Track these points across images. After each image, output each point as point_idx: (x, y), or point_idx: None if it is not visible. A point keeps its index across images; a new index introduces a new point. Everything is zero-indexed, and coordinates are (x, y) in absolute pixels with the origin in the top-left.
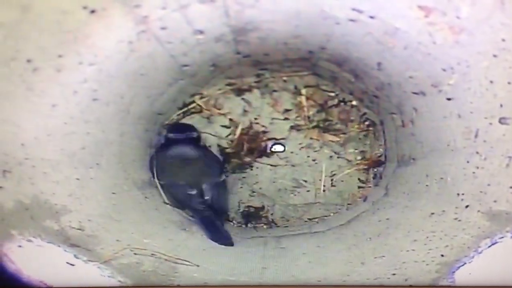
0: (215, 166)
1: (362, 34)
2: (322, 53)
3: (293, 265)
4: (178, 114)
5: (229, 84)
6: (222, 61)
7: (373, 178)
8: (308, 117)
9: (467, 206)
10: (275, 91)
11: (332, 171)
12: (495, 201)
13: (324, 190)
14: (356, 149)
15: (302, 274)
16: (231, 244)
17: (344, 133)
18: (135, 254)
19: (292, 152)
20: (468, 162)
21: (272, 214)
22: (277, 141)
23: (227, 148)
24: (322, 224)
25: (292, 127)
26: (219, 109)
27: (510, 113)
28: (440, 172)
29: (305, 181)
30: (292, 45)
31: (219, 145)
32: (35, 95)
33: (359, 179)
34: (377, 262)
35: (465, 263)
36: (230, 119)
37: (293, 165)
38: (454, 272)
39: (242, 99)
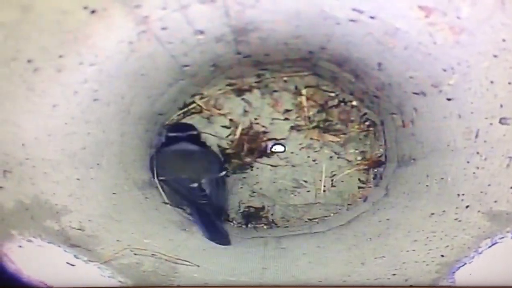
0: (215, 162)
1: (362, 34)
2: (322, 53)
3: (293, 265)
4: (179, 114)
5: (229, 84)
6: (223, 61)
7: (373, 178)
8: (309, 118)
9: (467, 207)
10: (275, 91)
11: (332, 172)
12: (495, 202)
13: (324, 191)
14: (356, 150)
15: (303, 275)
16: (229, 243)
17: (344, 134)
18: (135, 254)
19: (292, 153)
20: (468, 162)
21: (272, 214)
22: (277, 142)
23: (227, 148)
24: (322, 225)
25: (292, 128)
26: (219, 109)
27: (511, 113)
28: (440, 172)
29: (305, 181)
30: (292, 45)
31: (219, 146)
32: (36, 95)
33: (359, 179)
34: (377, 262)
35: (465, 264)
36: (231, 120)
37: (293, 166)
38: (454, 272)
39: (243, 99)
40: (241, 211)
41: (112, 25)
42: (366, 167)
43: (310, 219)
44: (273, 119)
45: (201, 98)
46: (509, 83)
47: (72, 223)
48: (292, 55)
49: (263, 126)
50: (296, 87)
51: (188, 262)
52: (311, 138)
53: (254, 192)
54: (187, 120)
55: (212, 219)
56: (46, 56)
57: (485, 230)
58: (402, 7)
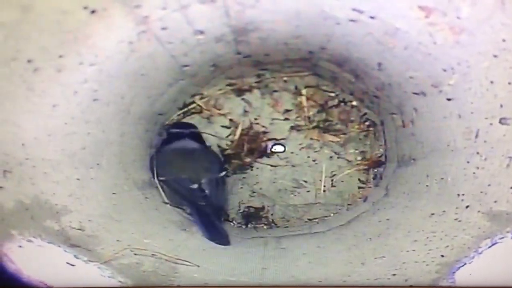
0: (215, 162)
1: (362, 34)
2: (322, 53)
3: (293, 265)
4: (179, 115)
5: (229, 85)
6: (223, 61)
7: (373, 178)
8: (309, 118)
9: (467, 207)
10: (275, 91)
11: (332, 172)
12: (495, 202)
13: (324, 191)
14: (356, 150)
15: (302, 275)
16: (228, 243)
17: (344, 134)
18: (135, 254)
19: (292, 153)
20: (468, 162)
21: (272, 214)
22: (277, 142)
23: (227, 148)
24: (322, 225)
25: (292, 128)
26: (219, 110)
27: (511, 113)
28: (440, 172)
29: (305, 181)
30: (292, 45)
31: (219, 146)
32: (36, 95)
33: (359, 179)
34: (377, 262)
35: (465, 264)
36: (230, 120)
37: (293, 166)
38: (454, 272)
39: (243, 99)
40: (241, 211)
41: (112, 25)
42: (366, 167)
43: (310, 219)
44: (273, 119)
45: (201, 98)
46: (509, 83)
47: (72, 223)
48: (292, 55)
49: (263, 126)
50: (296, 87)
51: (188, 262)
52: (311, 138)
53: (254, 192)
54: (187, 120)
55: (212, 220)
56: (46, 56)
57: (485, 230)
58: (402, 7)
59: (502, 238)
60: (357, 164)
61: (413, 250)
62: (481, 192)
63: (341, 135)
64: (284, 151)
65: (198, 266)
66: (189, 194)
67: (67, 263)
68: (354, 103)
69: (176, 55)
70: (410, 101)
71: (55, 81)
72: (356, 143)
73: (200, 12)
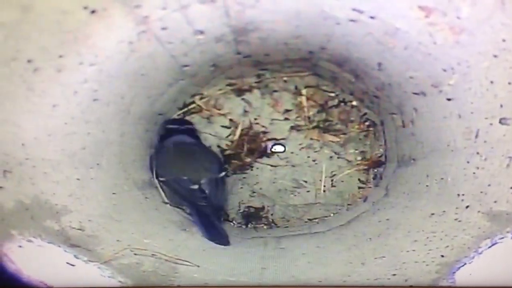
0: (214, 162)
1: (362, 34)
2: (322, 53)
3: (293, 265)
4: (179, 114)
5: (229, 85)
6: (223, 61)
7: (373, 178)
8: (309, 118)
9: (467, 207)
10: (275, 91)
11: (332, 172)
12: (495, 202)
13: (324, 191)
14: (356, 150)
15: (302, 275)
16: (228, 244)
17: (344, 134)
18: (135, 254)
19: (292, 153)
20: (468, 162)
21: (272, 214)
22: (277, 142)
23: (227, 148)
24: (322, 225)
25: (292, 128)
26: (219, 110)
27: (511, 113)
28: (440, 172)
29: (305, 181)
30: (292, 45)
31: (219, 146)
32: (36, 95)
33: (359, 179)
34: (377, 262)
35: (465, 264)
36: (230, 120)
37: (293, 166)
38: (454, 272)
39: (243, 99)
40: (241, 211)
41: (112, 25)
42: (366, 167)
43: (310, 219)
44: (273, 119)
45: (201, 98)
46: (509, 83)
47: (72, 223)
48: (292, 55)
49: (263, 126)
50: (296, 87)
51: (188, 262)
52: (311, 138)
53: (254, 192)
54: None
55: (212, 220)
56: (46, 56)
57: (485, 230)
58: (402, 7)
59: (502, 238)
60: (357, 164)
61: (413, 250)
62: (481, 192)
63: (341, 135)
64: (284, 151)
65: (198, 266)
66: (189, 194)
67: (67, 263)
68: (354, 103)
69: (176, 55)
70: (410, 101)
71: (55, 81)
72: (356, 143)
73: (200, 12)
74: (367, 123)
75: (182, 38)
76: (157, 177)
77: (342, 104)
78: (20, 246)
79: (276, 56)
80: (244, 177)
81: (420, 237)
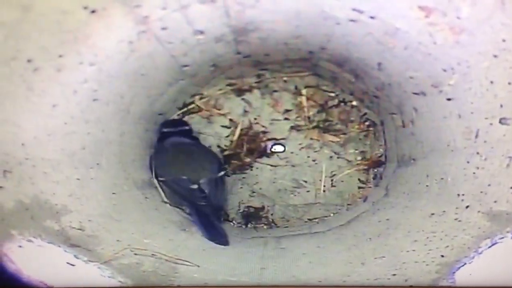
0: (213, 162)
1: (362, 35)
2: (322, 53)
3: (293, 265)
4: (178, 114)
5: (229, 85)
6: (223, 61)
7: (373, 178)
8: (308, 118)
9: (467, 207)
10: (275, 91)
11: (332, 172)
12: (495, 202)
13: (324, 191)
14: (356, 150)
15: (302, 275)
16: (227, 244)
17: (344, 134)
18: (135, 254)
19: (292, 153)
20: (468, 162)
21: (272, 214)
22: (277, 142)
23: (227, 148)
24: (322, 225)
25: (292, 128)
26: (219, 110)
27: (511, 113)
28: (440, 172)
29: (305, 181)
30: (292, 45)
31: (219, 146)
32: (36, 95)
33: (359, 179)
34: (377, 262)
35: (465, 264)
36: (230, 120)
37: (293, 166)
38: (454, 272)
39: (243, 99)
40: (241, 211)
41: (112, 25)
42: (366, 167)
43: (310, 219)
44: (273, 119)
45: (201, 98)
46: (509, 83)
47: (72, 223)
48: (292, 55)
49: (263, 126)
50: (296, 87)
51: (188, 262)
52: (311, 138)
53: (254, 192)
54: (187, 119)
55: (211, 220)
56: (46, 56)
57: (485, 230)
58: (402, 7)
59: (502, 238)
60: (357, 164)
61: (413, 250)
62: (481, 192)
63: (341, 135)
64: (284, 151)
65: (198, 266)
66: (189, 194)
67: (67, 263)
68: (354, 103)
69: (176, 55)
70: (410, 101)
71: (55, 81)
72: (356, 143)
73: (200, 12)
74: (367, 123)
75: (182, 38)
76: (156, 177)
77: (342, 104)
78: (20, 246)
79: (276, 56)
80: (244, 177)
81: (420, 237)
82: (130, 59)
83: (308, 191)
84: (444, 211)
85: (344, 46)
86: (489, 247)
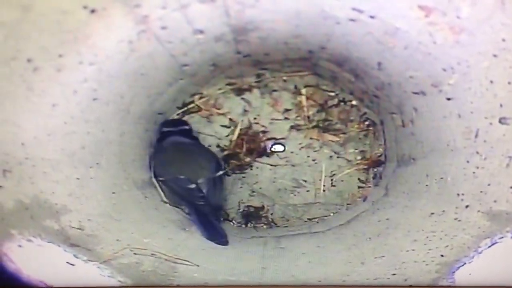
0: (212, 161)
1: (362, 34)
2: (322, 52)
3: (293, 265)
4: (178, 114)
5: (229, 84)
6: (222, 60)
7: (373, 178)
8: (308, 117)
9: (467, 206)
10: (275, 90)
11: (332, 171)
12: (495, 201)
13: (324, 190)
14: (356, 149)
15: (302, 274)
16: (226, 243)
17: (344, 133)
18: (135, 253)
19: (292, 152)
20: (468, 162)
21: (272, 214)
22: (277, 141)
23: (226, 148)
24: (322, 224)
25: (292, 127)
26: (219, 109)
27: (510, 113)
28: (440, 172)
29: (305, 181)
30: (292, 44)
31: (218, 145)
32: (36, 94)
33: (359, 179)
34: (377, 262)
35: (465, 263)
36: (230, 119)
37: (293, 165)
38: (454, 272)
39: (242, 98)
40: (240, 210)
41: (112, 25)
42: (365, 166)
43: (309, 219)
44: (272, 118)
45: (201, 98)
46: (509, 82)
47: (71, 223)
48: (292, 54)
49: (263, 126)
50: (295, 87)
51: (188, 261)
52: (311, 138)
53: (253, 191)
54: (187, 119)
55: (210, 219)
56: (46, 56)
57: (485, 229)
58: (402, 7)
59: (502, 237)
60: (357, 163)
61: (413, 250)
62: (481, 191)
63: (341, 135)
64: (283, 150)
65: (198, 265)
66: (187, 194)
67: (67, 262)
68: (354, 102)
69: (176, 55)
70: (410, 100)
71: (54, 81)
72: (356, 142)
73: (200, 12)
74: (366, 123)
75: (182, 37)
76: (155, 177)
77: (342, 103)
78: (19, 246)
79: (276, 55)
80: (243, 177)
81: (420, 236)
82: (130, 58)
83: (308, 191)
84: (443, 211)
85: (344, 45)
86: (489, 246)
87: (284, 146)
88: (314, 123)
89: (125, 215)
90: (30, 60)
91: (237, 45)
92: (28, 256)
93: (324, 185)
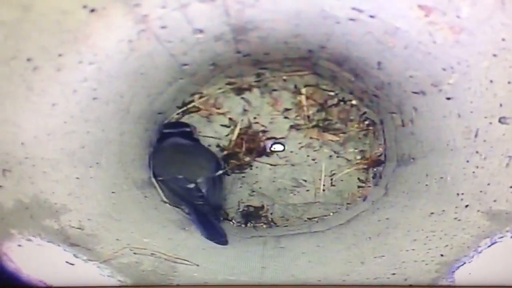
0: (211, 161)
1: (362, 34)
2: (322, 52)
3: (292, 264)
4: (178, 113)
5: (229, 83)
6: (222, 60)
7: (373, 177)
8: (308, 117)
9: (467, 206)
10: (275, 90)
11: (331, 171)
12: (495, 201)
13: (323, 190)
14: (355, 149)
15: (302, 274)
16: (226, 243)
17: (343, 133)
18: (134, 253)
19: (291, 152)
20: (468, 161)
21: (271, 213)
22: (276, 141)
23: (226, 147)
24: (322, 224)
25: (291, 127)
26: (219, 109)
27: (510, 112)
28: (440, 171)
29: (305, 180)
30: (292, 44)
31: (218, 145)
32: (35, 94)
33: (358, 178)
34: (377, 261)
35: (464, 263)
36: (230, 119)
37: (292, 165)
38: (454, 271)
39: (242, 98)
40: (240, 210)
41: (112, 24)
42: (365, 166)
43: (309, 218)
44: (272, 118)
45: (201, 97)
46: (509, 82)
47: (71, 222)
48: (292, 54)
49: (263, 125)
50: (295, 86)
51: (188, 261)
52: (311, 137)
53: (253, 191)
54: (187, 118)
55: (210, 219)
56: (45, 55)
57: (485, 229)
58: (402, 7)
59: (502, 237)
60: (357, 163)
61: (413, 250)
62: (481, 191)
63: (341, 134)
64: (283, 150)
65: (198, 265)
66: (186, 193)
67: (67, 262)
68: (354, 102)
69: (176, 54)
70: (410, 100)
71: (54, 80)
72: (356, 142)
73: (199, 11)
74: (366, 122)
75: (182, 37)
76: (154, 177)
77: (342, 103)
78: (19, 245)
79: (276, 55)
80: (243, 176)
81: (420, 236)
82: (130, 58)
83: (307, 190)
84: (443, 210)
85: (344, 45)
86: (489, 246)
87: (284, 146)
88: (314, 123)
89: (125, 214)
90: (30, 59)
91: (237, 44)
92: (28, 255)
93: (324, 185)
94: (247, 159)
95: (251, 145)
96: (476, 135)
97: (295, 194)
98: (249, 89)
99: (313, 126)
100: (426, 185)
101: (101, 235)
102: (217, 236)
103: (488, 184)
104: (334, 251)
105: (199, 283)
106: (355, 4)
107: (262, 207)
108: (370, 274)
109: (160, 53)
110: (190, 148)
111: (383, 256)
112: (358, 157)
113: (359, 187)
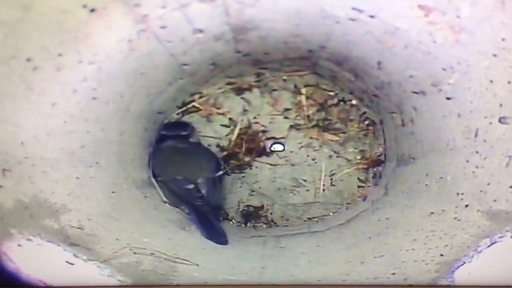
0: (211, 161)
1: (362, 33)
2: (322, 52)
3: (292, 264)
4: (178, 113)
5: (229, 83)
6: (222, 60)
7: (373, 177)
8: (308, 116)
9: (466, 206)
10: (275, 90)
11: (331, 171)
12: (495, 201)
13: (323, 190)
14: (355, 148)
15: (302, 274)
16: (226, 243)
17: (343, 132)
18: (134, 253)
19: (291, 152)
20: (468, 161)
21: (271, 213)
22: (276, 140)
23: (226, 148)
24: (322, 224)
25: (291, 126)
26: (219, 108)
27: (510, 112)
28: (440, 171)
29: (305, 180)
30: (292, 44)
31: (218, 145)
32: (35, 94)
33: (358, 178)
34: (377, 261)
35: (464, 263)
36: (230, 119)
37: (292, 165)
38: (453, 271)
39: (242, 98)
40: (240, 210)
41: (112, 24)
42: (365, 166)
43: (309, 218)
44: (272, 118)
45: (201, 97)
46: (509, 82)
47: (71, 222)
48: (292, 54)
49: (263, 125)
50: (295, 86)
51: (188, 261)
52: (311, 137)
53: (253, 191)
54: (186, 118)
55: (210, 219)
56: (45, 55)
57: (485, 229)
58: (402, 6)
59: (502, 237)
60: (357, 163)
61: (413, 249)
62: (481, 191)
63: (341, 134)
64: (283, 150)
65: (198, 265)
66: (186, 194)
67: (67, 262)
68: (354, 102)
69: (176, 54)
70: (410, 100)
71: (54, 80)
72: (356, 142)
73: (199, 11)
74: (366, 122)
75: (182, 36)
76: (154, 177)
77: (342, 103)
78: (19, 245)
79: (276, 55)
80: (243, 176)
81: (420, 236)
82: (130, 58)
83: (307, 190)
84: (443, 210)
85: (344, 45)
86: (489, 246)
87: (284, 146)
88: (313, 123)
89: (124, 214)
90: (29, 59)
91: (237, 44)
92: (27, 255)
93: (323, 185)
94: (247, 159)
95: (251, 145)
96: (476, 135)
97: (295, 194)
98: (249, 89)
99: (313, 126)
100: (426, 185)
101: (101, 235)
102: (217, 236)
103: (488, 184)
104: (334, 251)
105: (199, 283)
106: (355, 4)
107: (262, 207)
108: (370, 274)
109: (160, 53)
110: (189, 149)
111: (383, 256)
112: (358, 157)
113: (359, 187)
